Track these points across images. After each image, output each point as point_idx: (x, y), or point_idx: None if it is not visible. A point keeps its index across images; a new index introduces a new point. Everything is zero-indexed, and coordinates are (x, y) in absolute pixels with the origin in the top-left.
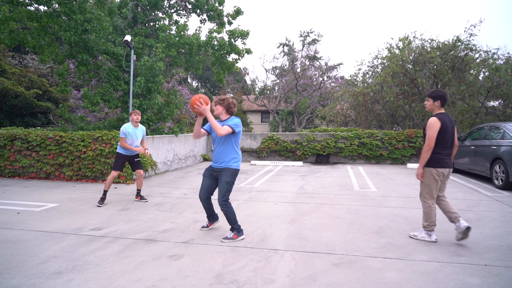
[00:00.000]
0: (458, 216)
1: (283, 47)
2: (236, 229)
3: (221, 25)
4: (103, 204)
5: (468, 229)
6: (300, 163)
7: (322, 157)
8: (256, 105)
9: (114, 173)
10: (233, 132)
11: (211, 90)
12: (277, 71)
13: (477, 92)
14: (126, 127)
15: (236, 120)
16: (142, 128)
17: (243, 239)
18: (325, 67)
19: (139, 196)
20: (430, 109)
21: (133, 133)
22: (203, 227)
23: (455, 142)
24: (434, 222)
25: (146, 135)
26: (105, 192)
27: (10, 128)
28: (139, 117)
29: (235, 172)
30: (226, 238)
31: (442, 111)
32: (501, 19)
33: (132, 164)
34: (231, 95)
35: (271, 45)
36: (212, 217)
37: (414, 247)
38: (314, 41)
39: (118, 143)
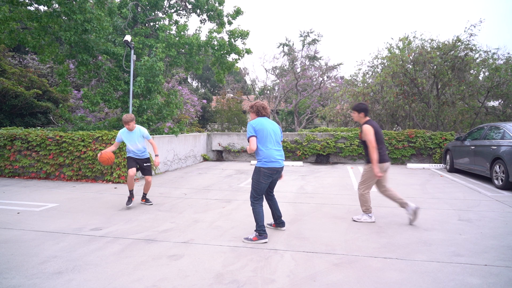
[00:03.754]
0: (405, 202)
1: (283, 47)
2: (257, 230)
3: (221, 25)
4: (131, 203)
5: (417, 209)
6: (300, 163)
7: (322, 157)
8: None
9: (130, 172)
10: (253, 137)
11: (211, 90)
12: (277, 71)
13: (477, 92)
14: (121, 133)
15: (247, 127)
16: (138, 130)
17: (264, 242)
18: (325, 67)
19: (144, 199)
20: (357, 120)
21: (129, 138)
22: (268, 224)
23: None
24: (370, 206)
25: None
26: (131, 192)
27: (10, 128)
28: (132, 125)
29: (257, 170)
30: (247, 238)
31: (368, 119)
32: (501, 19)
33: (142, 169)
34: (231, 95)
35: (271, 45)
36: (275, 218)
37: (414, 247)
38: (314, 41)
39: (127, 149)
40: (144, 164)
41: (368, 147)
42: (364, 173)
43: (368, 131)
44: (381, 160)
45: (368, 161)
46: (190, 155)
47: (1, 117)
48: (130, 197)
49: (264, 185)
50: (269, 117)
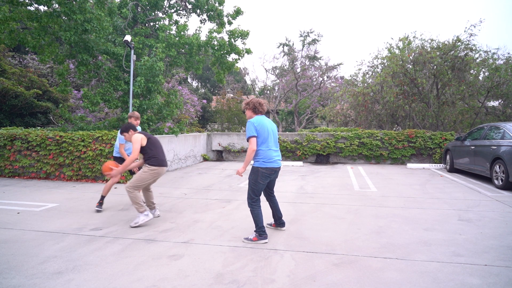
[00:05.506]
0: (155, 205)
1: (283, 47)
2: (257, 231)
3: (221, 25)
4: (102, 208)
5: (153, 217)
6: (300, 163)
7: (322, 157)
8: None
9: (115, 179)
10: (253, 137)
11: (211, 90)
12: (277, 71)
13: (477, 92)
14: None
15: (247, 126)
16: (138, 130)
17: (265, 243)
18: (325, 67)
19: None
20: (128, 139)
21: None
22: (268, 224)
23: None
24: (143, 205)
25: None
26: (102, 197)
27: (10, 128)
28: (139, 122)
29: (255, 170)
30: (247, 238)
31: (138, 131)
32: (501, 19)
33: (130, 170)
34: (231, 95)
35: (271, 45)
36: (275, 218)
37: (414, 247)
38: (314, 41)
39: (115, 148)
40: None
41: (137, 150)
42: (138, 174)
43: (137, 139)
44: (160, 164)
45: (148, 163)
46: (190, 155)
47: (1, 117)
48: (102, 202)
49: (262, 185)
50: (265, 114)
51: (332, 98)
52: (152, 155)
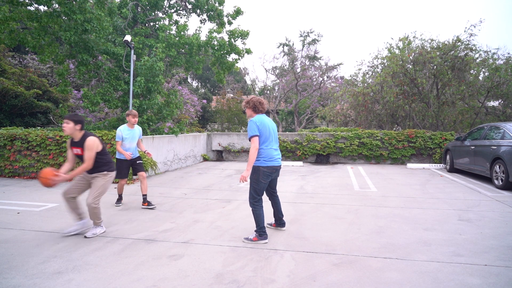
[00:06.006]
0: (83, 216)
1: (283, 47)
2: (257, 231)
3: (221, 25)
4: (120, 203)
5: (84, 228)
6: (300, 163)
7: (322, 157)
8: None
9: (122, 182)
10: (256, 136)
11: (211, 90)
12: (277, 71)
13: (477, 92)
14: (122, 130)
15: (249, 125)
16: (138, 129)
17: (265, 243)
18: (325, 67)
19: (146, 202)
20: (71, 132)
21: (130, 136)
22: (268, 224)
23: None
24: (101, 217)
25: (147, 135)
26: (120, 195)
27: (10, 128)
28: (137, 120)
29: (256, 170)
30: (247, 238)
31: (84, 132)
32: (501, 19)
33: (135, 167)
34: (231, 95)
35: (271, 45)
36: (276, 218)
37: (414, 247)
38: (314, 41)
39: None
40: (137, 162)
41: (93, 158)
42: (100, 185)
43: (96, 144)
44: (113, 169)
45: (100, 170)
46: (190, 155)
47: (1, 117)
48: (120, 199)
49: (263, 184)
50: (265, 114)
51: (332, 98)
52: (109, 160)
